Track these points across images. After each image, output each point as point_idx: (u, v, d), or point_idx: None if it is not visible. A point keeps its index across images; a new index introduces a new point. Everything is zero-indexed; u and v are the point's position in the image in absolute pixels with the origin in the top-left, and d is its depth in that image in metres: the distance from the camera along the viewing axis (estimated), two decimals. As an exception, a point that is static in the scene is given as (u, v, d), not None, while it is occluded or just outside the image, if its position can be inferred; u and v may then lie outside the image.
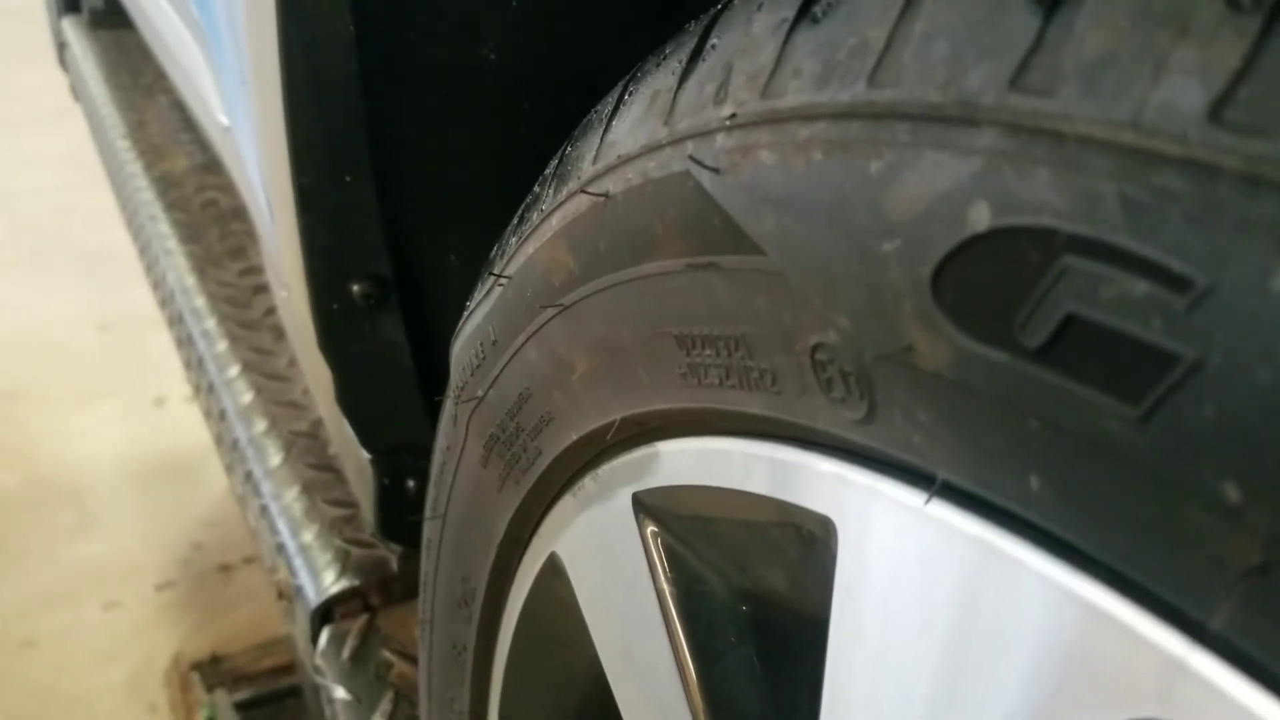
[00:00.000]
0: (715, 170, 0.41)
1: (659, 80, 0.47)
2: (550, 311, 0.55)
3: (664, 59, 0.48)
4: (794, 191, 0.38)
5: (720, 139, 0.41)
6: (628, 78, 0.51)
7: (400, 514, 0.93)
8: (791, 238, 0.39)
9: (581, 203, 0.51)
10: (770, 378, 0.43)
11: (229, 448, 1.21)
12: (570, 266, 0.53)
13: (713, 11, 0.46)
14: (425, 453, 0.76)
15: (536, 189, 0.58)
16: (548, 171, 0.57)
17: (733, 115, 0.41)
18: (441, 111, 0.79)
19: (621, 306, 0.50)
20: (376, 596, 1.04)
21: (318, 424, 1.15)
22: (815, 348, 0.39)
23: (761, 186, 0.39)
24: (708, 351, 0.46)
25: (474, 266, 0.67)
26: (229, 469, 1.23)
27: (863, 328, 0.37)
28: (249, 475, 1.14)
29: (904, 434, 0.37)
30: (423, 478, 0.78)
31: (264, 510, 1.10)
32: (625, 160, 0.47)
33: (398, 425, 0.88)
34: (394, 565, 1.05)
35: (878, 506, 0.40)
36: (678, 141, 0.44)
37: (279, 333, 1.27)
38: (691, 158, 0.42)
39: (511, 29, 0.76)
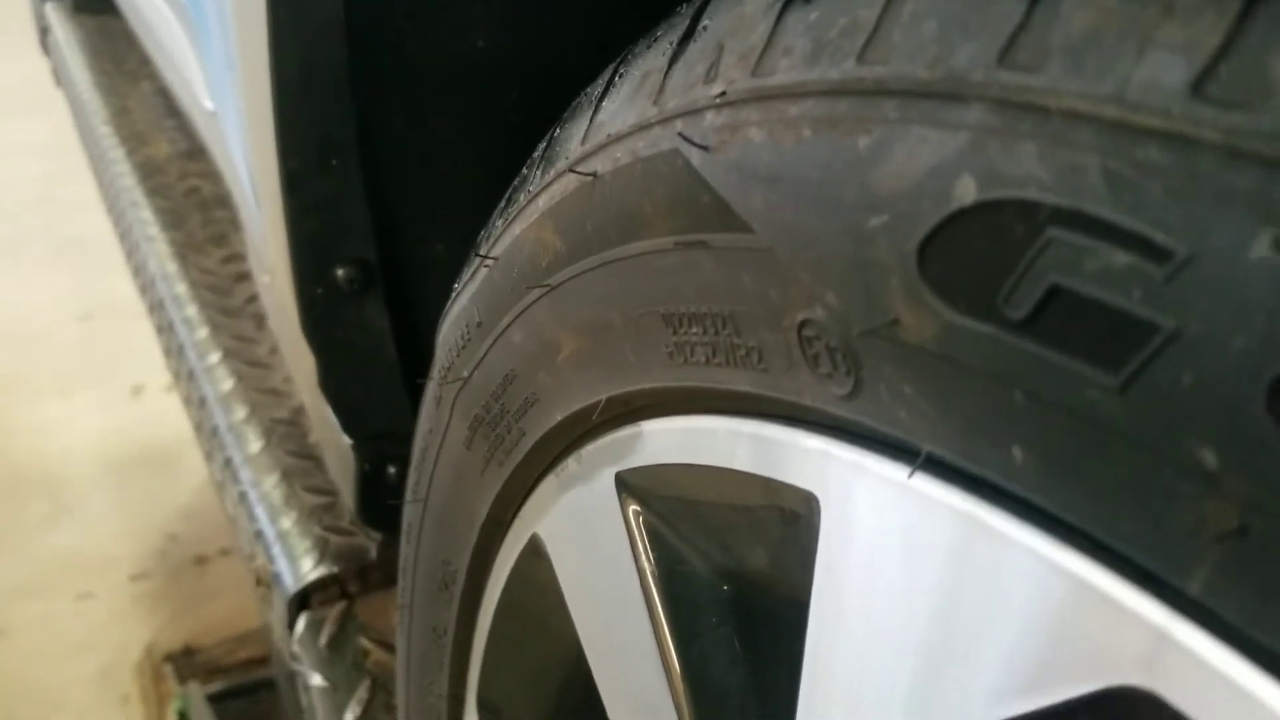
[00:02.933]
0: (704, 148, 0.42)
1: (650, 61, 0.48)
2: (537, 292, 0.55)
3: (655, 41, 0.49)
4: (783, 169, 0.39)
5: (710, 117, 0.42)
6: (618, 60, 0.51)
7: (381, 500, 0.93)
8: (780, 215, 0.39)
9: (569, 182, 0.51)
10: (757, 355, 0.43)
11: (208, 435, 1.21)
12: (557, 247, 0.53)
13: (705, -6, 0.47)
14: (407, 439, 0.76)
15: (525, 170, 0.58)
16: (536, 153, 0.57)
17: (723, 93, 0.41)
18: (430, 98, 0.79)
19: (609, 286, 0.50)
20: (355, 584, 1.04)
21: (298, 411, 1.15)
22: (802, 324, 0.40)
23: (750, 164, 0.40)
24: (695, 330, 0.46)
25: (459, 253, 0.67)
26: (208, 456, 1.23)
27: (849, 303, 0.37)
28: (228, 462, 1.14)
29: (889, 408, 0.38)
30: (404, 464, 0.78)
31: (243, 497, 1.10)
32: (614, 140, 0.48)
33: (380, 411, 0.88)
34: (373, 553, 1.05)
35: (862, 481, 0.40)
36: (667, 120, 0.44)
37: (260, 320, 1.27)
38: (681, 135, 0.43)
39: (502, 17, 0.76)
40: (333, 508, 1.06)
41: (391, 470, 0.91)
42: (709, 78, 0.42)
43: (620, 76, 0.50)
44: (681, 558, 0.55)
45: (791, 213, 0.38)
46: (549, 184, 0.54)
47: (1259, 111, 0.25)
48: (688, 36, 0.45)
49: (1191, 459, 0.28)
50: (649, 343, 0.50)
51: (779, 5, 0.40)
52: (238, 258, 1.39)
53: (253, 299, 1.31)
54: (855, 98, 0.36)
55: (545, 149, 0.56)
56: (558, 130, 0.55)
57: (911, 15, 0.35)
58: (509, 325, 0.59)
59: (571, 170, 0.51)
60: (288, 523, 1.06)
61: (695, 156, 0.43)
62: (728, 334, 0.45)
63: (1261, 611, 0.27)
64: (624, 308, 0.50)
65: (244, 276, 1.35)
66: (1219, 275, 0.26)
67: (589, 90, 0.54)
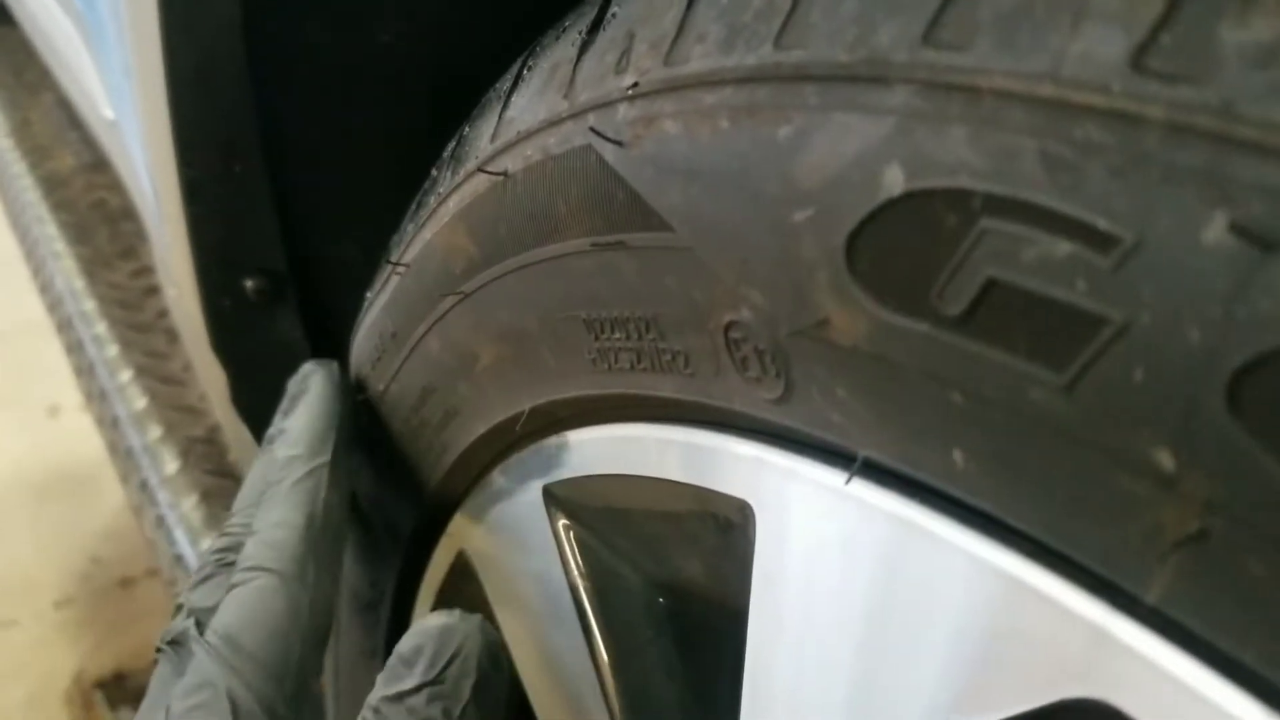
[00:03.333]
0: (618, 143, 0.39)
1: (559, 52, 0.45)
2: (451, 300, 0.53)
3: (564, 31, 0.46)
4: (700, 162, 0.36)
5: (623, 110, 0.39)
6: (527, 52, 0.49)
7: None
8: (699, 211, 0.37)
9: (480, 183, 0.48)
10: (683, 359, 0.41)
11: (123, 456, 1.16)
12: (471, 251, 0.50)
13: (613, -19, 0.44)
14: (328, 453, 0.73)
15: (434, 172, 0.55)
16: (445, 153, 0.55)
17: (635, 84, 0.39)
18: (337, 97, 0.76)
19: (526, 291, 0.48)
20: (282, 605, 1.00)
21: (215, 429, 1.10)
22: (729, 326, 0.38)
23: (666, 158, 0.38)
24: (617, 335, 0.44)
25: (375, 259, 0.64)
26: (124, 478, 1.18)
27: (776, 303, 0.35)
28: (144, 484, 1.10)
29: (822, 412, 0.36)
30: (326, 480, 0.75)
31: (161, 520, 1.06)
32: (525, 136, 0.45)
33: (298, 426, 0.85)
34: (300, 572, 1.01)
35: (797, 489, 0.38)
36: (579, 114, 0.42)
37: (173, 335, 1.22)
38: (593, 130, 0.40)
39: (409, 11, 0.73)
40: (256, 527, 1.02)
41: (313, 488, 0.87)
42: (620, 68, 0.40)
43: (529, 69, 0.48)
44: (615, 571, 0.53)
45: (711, 209, 0.36)
46: (459, 185, 0.51)
47: (1206, 83, 0.23)
48: (597, 25, 0.43)
49: (1146, 460, 0.26)
50: (571, 349, 0.47)
51: (690, -12, 0.37)
52: (147, 271, 1.34)
53: (164, 313, 1.26)
54: (774, 84, 0.33)
55: (455, 148, 0.53)
56: (467, 128, 0.53)
57: (830, -7, 0.32)
58: (424, 335, 0.56)
59: (481, 170, 0.48)
60: (209, 546, 1.01)
61: (609, 152, 0.40)
62: (652, 338, 0.42)
63: (1226, 619, 0.26)
64: (543, 313, 0.48)
65: (154, 290, 1.30)
66: (1170, 262, 0.24)
67: (498, 85, 0.51)
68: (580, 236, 0.43)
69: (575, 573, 0.54)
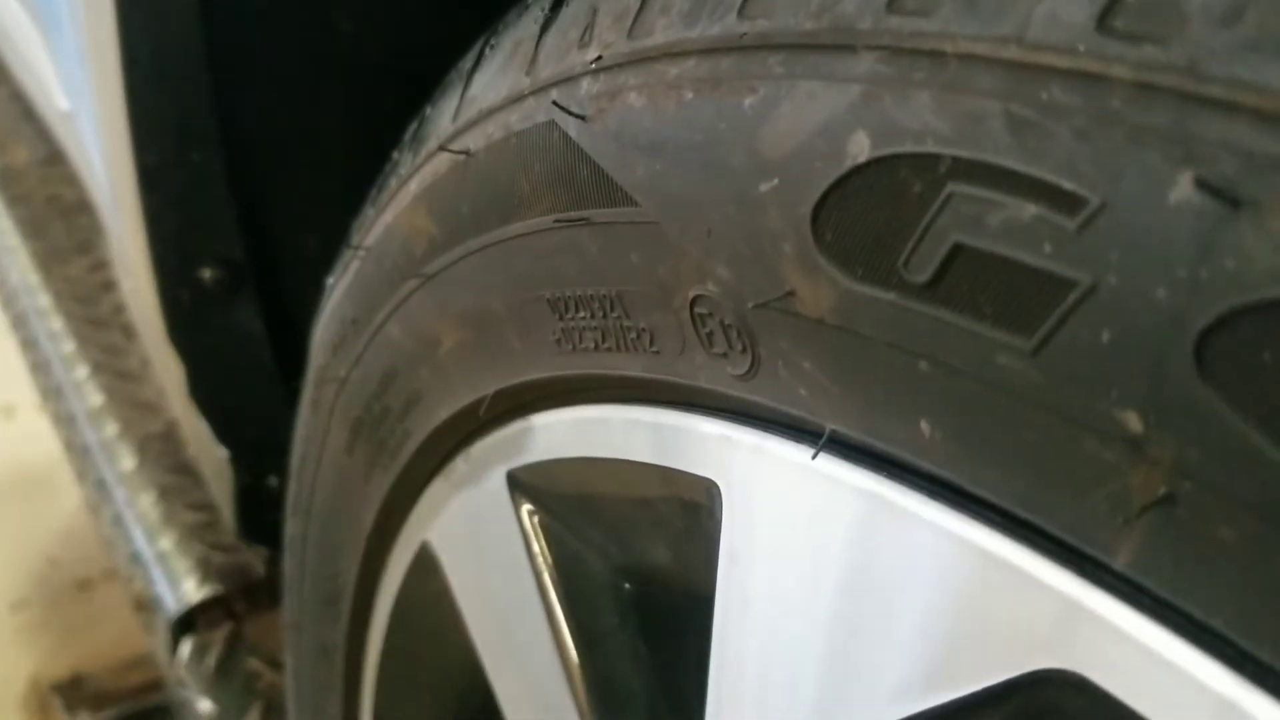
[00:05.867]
0: (581, 117, 0.39)
1: (522, 29, 0.45)
2: (413, 283, 0.52)
3: (526, 8, 0.46)
4: (665, 135, 0.36)
5: (586, 84, 0.39)
6: (489, 31, 0.48)
7: (262, 514, 0.88)
8: (664, 185, 0.36)
9: (441, 163, 0.48)
10: (648, 337, 0.41)
11: (80, 453, 1.14)
12: (432, 233, 0.50)
13: (576, -42, 0.44)
14: (286, 448, 0.72)
15: (395, 154, 0.54)
16: (406, 135, 0.54)
17: (598, 58, 0.38)
18: (296, 84, 0.75)
19: (488, 272, 0.47)
20: (241, 604, 0.99)
21: (173, 425, 1.09)
22: (694, 301, 0.37)
23: (631, 132, 0.37)
24: (582, 314, 0.44)
25: (335, 247, 0.63)
26: (80, 476, 1.16)
27: (742, 276, 0.35)
28: (101, 482, 1.08)
29: (789, 387, 0.35)
30: (284, 474, 0.74)
31: (118, 518, 1.04)
32: (487, 114, 0.45)
33: (256, 419, 0.84)
34: (260, 570, 1.00)
35: (763, 465, 0.38)
36: (541, 90, 0.41)
37: (130, 331, 1.20)
38: (556, 104, 0.40)
39: (367, -2, 0.72)
40: (215, 525, 1.01)
41: (272, 481, 0.86)
42: (584, 42, 0.40)
43: (492, 48, 0.47)
44: (580, 557, 0.53)
45: (676, 182, 0.36)
46: (421, 166, 0.50)
47: (1171, 43, 0.23)
48: (560, 0, 0.43)
49: (1113, 423, 0.26)
50: (535, 330, 0.47)
51: (654, -41, 0.37)
52: (103, 265, 1.32)
53: (121, 308, 1.24)
54: (738, 54, 0.33)
55: (416, 129, 0.53)
56: (429, 109, 0.52)
57: (795, -38, 0.32)
58: (386, 320, 0.55)
59: (443, 149, 0.48)
60: (167, 543, 1.00)
61: (572, 127, 0.40)
62: (617, 316, 0.42)
63: (1192, 583, 0.26)
64: (506, 294, 0.47)
65: (111, 285, 1.28)
66: (1136, 222, 0.24)
67: (460, 64, 0.50)
68: (543, 214, 0.43)
69: (539, 560, 0.53)
